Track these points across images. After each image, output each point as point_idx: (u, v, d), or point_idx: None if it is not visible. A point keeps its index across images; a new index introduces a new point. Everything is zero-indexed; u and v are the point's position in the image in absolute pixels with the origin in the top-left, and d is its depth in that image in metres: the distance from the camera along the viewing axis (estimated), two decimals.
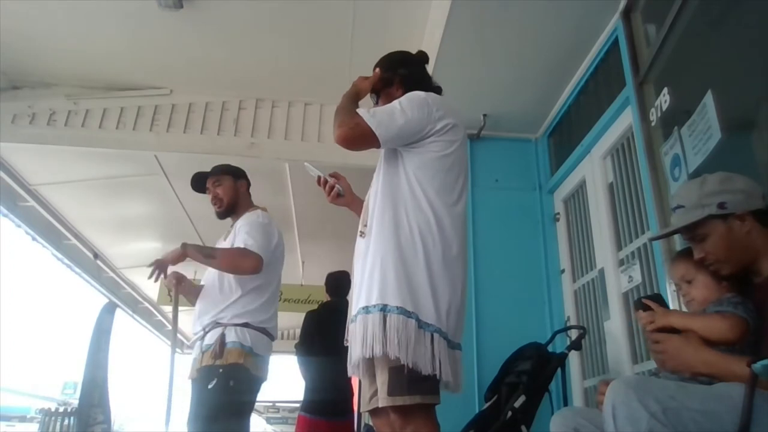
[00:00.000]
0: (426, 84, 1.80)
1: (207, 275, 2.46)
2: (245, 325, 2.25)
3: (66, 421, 8.88)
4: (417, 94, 1.64)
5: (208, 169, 2.62)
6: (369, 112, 1.59)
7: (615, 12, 2.67)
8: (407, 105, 1.60)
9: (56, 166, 4.40)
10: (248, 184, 2.62)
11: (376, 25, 3.26)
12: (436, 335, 1.43)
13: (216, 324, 2.27)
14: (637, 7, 2.58)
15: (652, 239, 1.66)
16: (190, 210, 5.11)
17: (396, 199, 1.57)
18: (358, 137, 1.57)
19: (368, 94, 1.84)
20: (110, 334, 3.54)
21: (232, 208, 2.51)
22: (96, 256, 6.06)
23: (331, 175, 1.87)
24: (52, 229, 5.29)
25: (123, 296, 7.42)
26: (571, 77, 3.17)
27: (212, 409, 2.13)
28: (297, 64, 3.68)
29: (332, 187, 1.84)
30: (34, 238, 5.25)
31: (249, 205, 2.55)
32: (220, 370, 2.16)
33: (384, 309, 1.42)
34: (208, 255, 2.29)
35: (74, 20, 3.33)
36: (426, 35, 3.16)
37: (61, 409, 9.71)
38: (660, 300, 1.46)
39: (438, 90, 1.80)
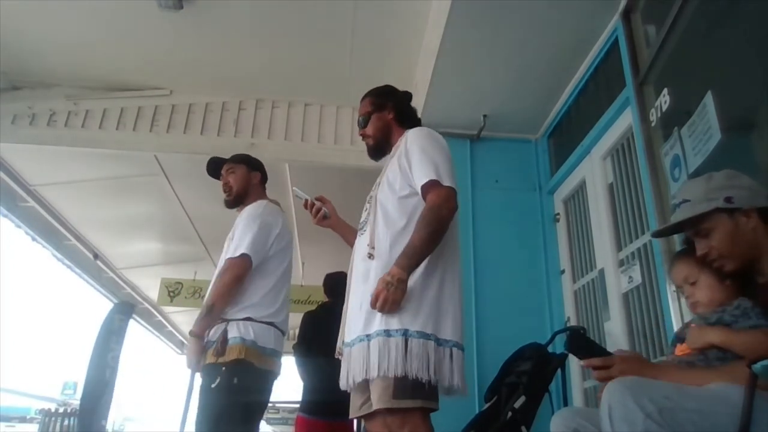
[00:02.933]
0: (413, 115, 1.99)
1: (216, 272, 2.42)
2: (247, 319, 2.19)
3: (66, 422, 8.89)
4: (422, 131, 1.79)
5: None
6: (432, 180, 1.63)
7: (615, 12, 2.67)
8: (431, 145, 1.72)
9: (56, 167, 4.40)
10: (263, 177, 2.59)
11: (376, 26, 3.26)
12: (454, 349, 1.54)
13: (220, 320, 2.21)
14: (637, 8, 2.58)
15: (654, 233, 1.65)
16: (190, 210, 5.11)
17: (409, 223, 1.64)
18: (455, 200, 1.65)
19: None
20: (121, 335, 3.50)
21: (240, 197, 2.48)
22: (96, 256, 6.07)
23: (317, 199, 2.02)
24: (52, 230, 5.30)
25: (123, 297, 7.42)
26: (571, 77, 3.17)
27: (218, 409, 2.08)
28: (297, 64, 3.68)
29: (318, 210, 1.99)
30: (34, 239, 5.26)
31: (258, 197, 2.49)
32: (223, 368, 2.10)
33: (406, 334, 1.49)
34: (208, 311, 2.19)
35: (74, 21, 3.33)
36: (426, 36, 3.16)
37: (61, 410, 9.71)
38: (585, 341, 1.46)
39: (419, 121, 1.99)
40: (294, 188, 2.03)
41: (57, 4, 3.20)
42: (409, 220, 1.65)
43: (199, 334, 2.17)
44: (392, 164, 1.78)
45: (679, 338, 1.42)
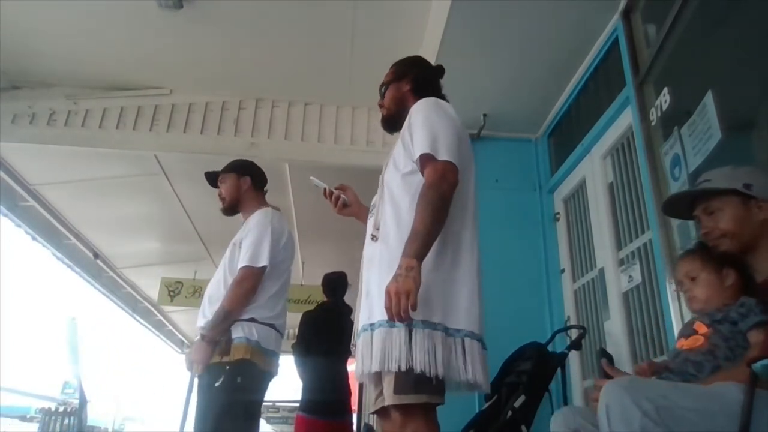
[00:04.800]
0: (434, 89, 1.80)
1: (216, 273, 2.44)
2: (251, 320, 2.22)
3: (66, 421, 8.90)
4: (428, 101, 1.64)
5: (208, 170, 2.63)
6: (426, 153, 1.50)
7: (615, 12, 2.67)
8: (435, 114, 1.58)
9: (56, 166, 4.40)
10: (254, 180, 2.56)
11: (376, 25, 3.26)
12: (467, 339, 1.43)
13: None
14: (637, 8, 2.58)
15: (666, 201, 1.62)
16: (190, 210, 5.12)
17: (412, 202, 1.51)
18: (455, 174, 1.53)
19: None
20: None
21: (234, 206, 2.51)
22: (96, 256, 6.07)
23: (337, 188, 1.91)
24: (52, 229, 5.30)
25: (123, 296, 7.43)
26: (571, 77, 3.17)
27: (220, 408, 2.10)
28: (297, 64, 3.68)
29: (338, 198, 1.88)
30: (34, 238, 5.26)
31: (256, 202, 2.50)
32: (227, 367, 2.12)
33: (409, 324, 1.37)
34: (222, 319, 2.19)
35: (74, 20, 3.33)
36: (426, 35, 3.16)
37: (61, 409, 9.72)
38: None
39: (444, 99, 1.79)
40: (312, 177, 1.92)
41: (57, 4, 3.20)
42: (411, 199, 1.51)
43: (212, 339, 2.17)
44: (398, 142, 1.68)
45: (683, 336, 1.43)
